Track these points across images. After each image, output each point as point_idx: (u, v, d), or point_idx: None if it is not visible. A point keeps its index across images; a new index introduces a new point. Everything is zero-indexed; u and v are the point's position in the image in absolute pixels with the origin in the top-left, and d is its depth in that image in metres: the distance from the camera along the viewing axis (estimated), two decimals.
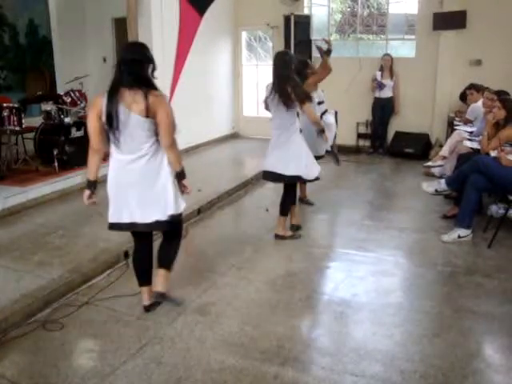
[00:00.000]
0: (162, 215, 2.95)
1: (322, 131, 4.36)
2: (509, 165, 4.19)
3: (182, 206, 3.07)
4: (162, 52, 7.15)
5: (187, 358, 2.74)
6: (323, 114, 5.37)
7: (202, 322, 3.11)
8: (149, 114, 2.76)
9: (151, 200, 2.94)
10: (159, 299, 3.24)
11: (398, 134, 8.20)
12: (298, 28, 8.27)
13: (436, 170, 6.23)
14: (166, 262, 3.19)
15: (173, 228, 3.09)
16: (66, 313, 3.20)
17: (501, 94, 4.93)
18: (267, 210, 4.10)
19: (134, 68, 2.79)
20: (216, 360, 2.72)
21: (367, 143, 8.55)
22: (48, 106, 6.19)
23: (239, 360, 2.71)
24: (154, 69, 2.89)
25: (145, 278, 3.21)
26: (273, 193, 5.12)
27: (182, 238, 3.29)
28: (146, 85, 2.80)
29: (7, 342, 2.90)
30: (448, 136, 6.79)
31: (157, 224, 2.98)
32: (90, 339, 2.99)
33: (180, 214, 3.07)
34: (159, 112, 2.78)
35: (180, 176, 3.01)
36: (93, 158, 3.03)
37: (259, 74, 9.23)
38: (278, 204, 4.48)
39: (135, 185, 2.93)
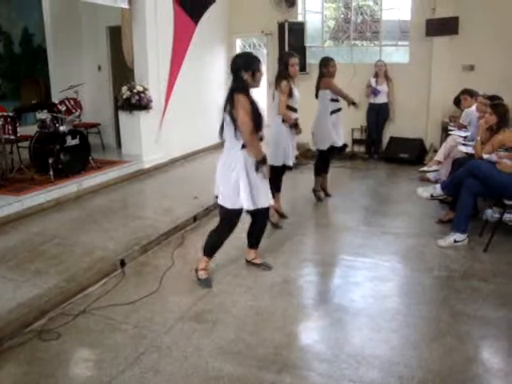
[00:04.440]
0: None
1: (292, 126, 4.69)
2: (507, 170, 4.20)
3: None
4: (157, 60, 7.19)
5: (184, 366, 2.73)
6: (334, 111, 5.47)
7: (199, 329, 3.10)
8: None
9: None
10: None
11: (392, 140, 8.24)
12: (292, 35, 8.31)
13: (431, 175, 6.26)
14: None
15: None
16: (62, 322, 3.18)
17: (494, 99, 4.97)
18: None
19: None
20: (213, 368, 2.71)
21: (362, 149, 8.58)
22: (43, 115, 6.17)
23: (236, 367, 2.70)
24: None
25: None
26: None
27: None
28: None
29: (3, 352, 2.88)
30: (442, 141, 6.83)
31: None
32: (86, 348, 2.98)
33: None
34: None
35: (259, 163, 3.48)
36: None
37: None
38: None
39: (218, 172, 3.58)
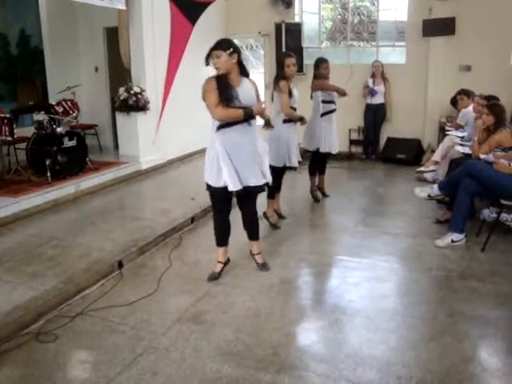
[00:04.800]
0: None
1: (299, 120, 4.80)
2: (504, 170, 4.20)
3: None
4: (154, 61, 7.18)
5: (182, 368, 2.72)
6: (326, 113, 5.51)
7: (197, 330, 3.09)
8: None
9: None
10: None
11: (389, 140, 8.25)
12: (289, 36, 8.34)
13: (428, 175, 6.27)
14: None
15: None
16: (59, 324, 3.17)
17: (491, 99, 4.98)
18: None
19: None
20: (211, 369, 2.70)
21: (359, 149, 8.60)
22: (40, 116, 6.17)
23: (235, 368, 2.70)
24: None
25: None
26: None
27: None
28: None
29: (0, 354, 2.87)
30: (440, 141, 6.84)
31: None
32: (84, 350, 2.97)
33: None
34: None
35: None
36: None
37: None
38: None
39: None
